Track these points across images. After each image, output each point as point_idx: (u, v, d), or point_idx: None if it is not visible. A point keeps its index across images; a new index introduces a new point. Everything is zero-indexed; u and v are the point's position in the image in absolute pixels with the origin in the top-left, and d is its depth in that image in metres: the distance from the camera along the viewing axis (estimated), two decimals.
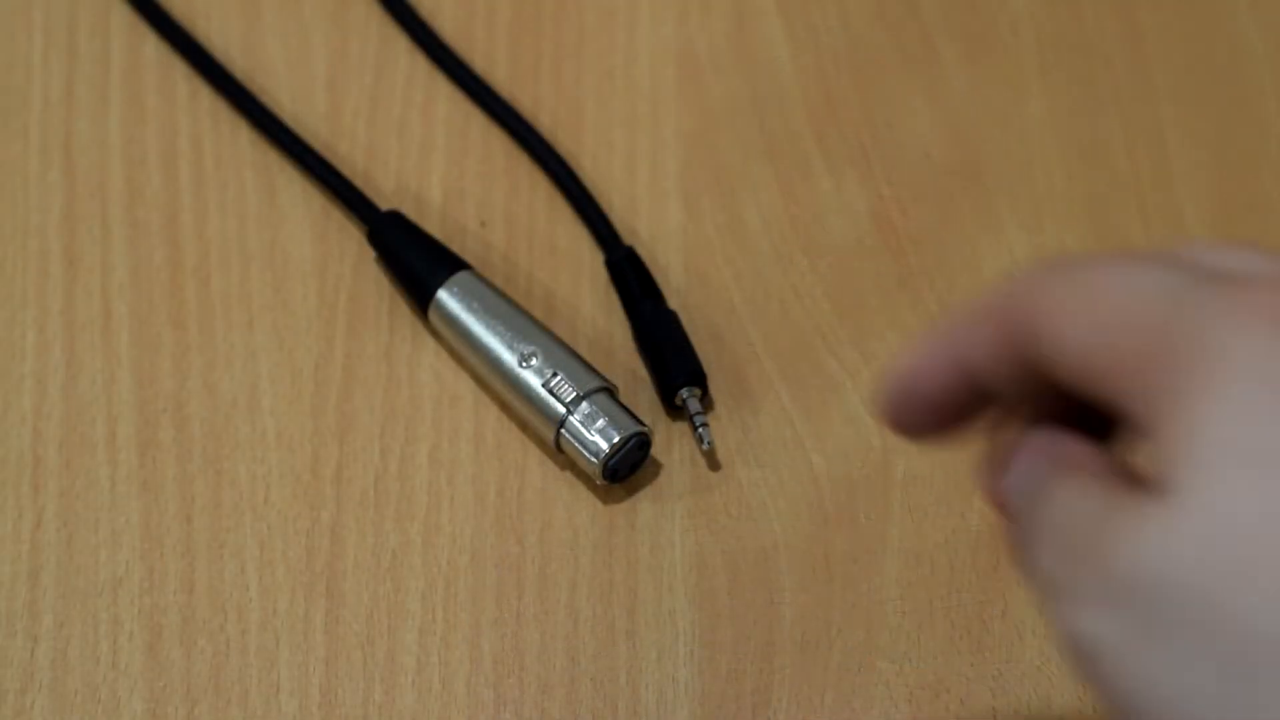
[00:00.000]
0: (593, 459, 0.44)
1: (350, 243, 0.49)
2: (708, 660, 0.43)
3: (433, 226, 0.49)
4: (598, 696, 0.43)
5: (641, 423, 0.45)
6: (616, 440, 0.44)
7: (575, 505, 0.45)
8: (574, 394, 0.44)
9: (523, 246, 0.50)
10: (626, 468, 0.45)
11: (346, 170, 0.50)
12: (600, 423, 0.44)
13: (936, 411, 0.33)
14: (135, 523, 0.45)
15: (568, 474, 0.46)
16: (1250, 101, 0.52)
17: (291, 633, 0.44)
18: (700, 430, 0.45)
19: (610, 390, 0.45)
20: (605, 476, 0.44)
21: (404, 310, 0.48)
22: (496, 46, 0.53)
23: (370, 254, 0.49)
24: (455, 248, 0.48)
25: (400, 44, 0.53)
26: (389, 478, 0.46)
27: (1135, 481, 0.30)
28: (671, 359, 0.47)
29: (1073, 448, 0.32)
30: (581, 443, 0.44)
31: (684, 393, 0.46)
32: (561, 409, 0.44)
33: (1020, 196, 0.51)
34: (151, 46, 0.52)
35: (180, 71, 0.52)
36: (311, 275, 0.49)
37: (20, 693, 0.43)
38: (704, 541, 0.45)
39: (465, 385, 0.47)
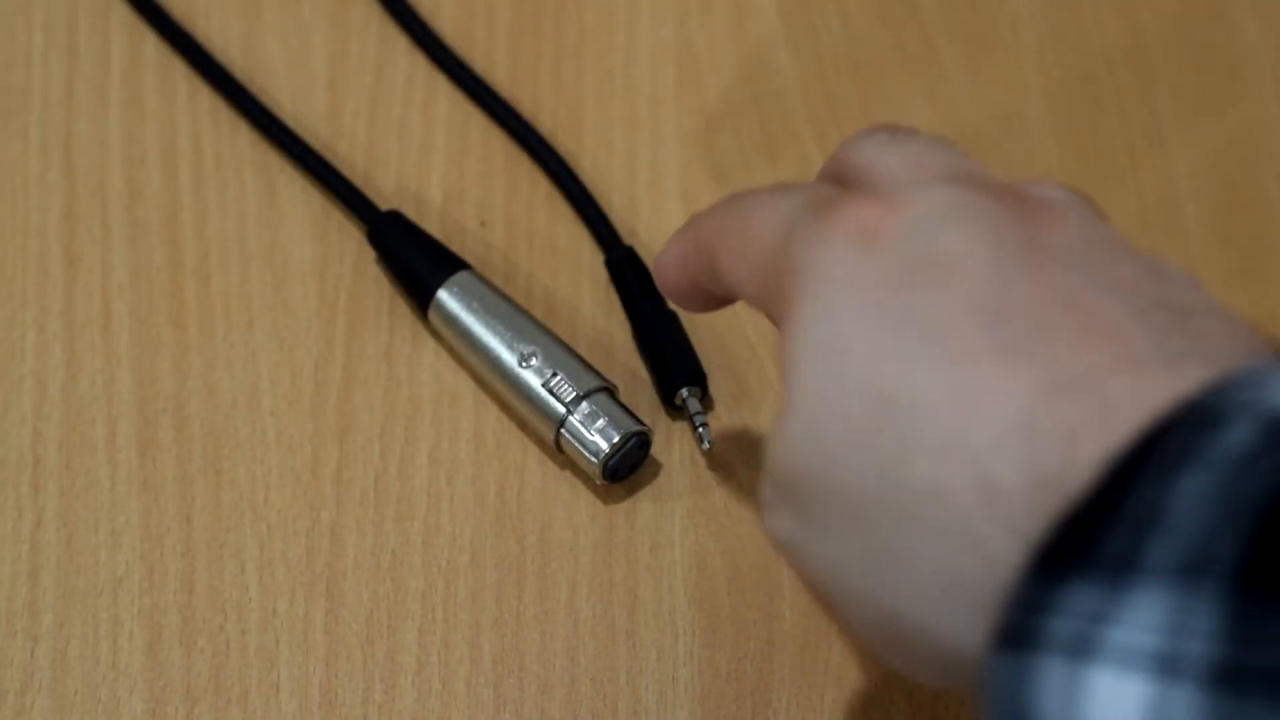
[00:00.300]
0: (593, 459, 0.44)
1: (350, 243, 0.49)
2: (708, 660, 0.43)
3: (433, 226, 0.49)
4: (598, 696, 0.43)
5: (641, 422, 0.45)
6: (616, 440, 0.44)
7: (575, 505, 0.45)
8: (574, 394, 0.44)
9: (523, 246, 0.50)
10: (626, 467, 0.45)
11: (346, 170, 0.50)
12: (600, 422, 0.44)
13: (691, 298, 0.40)
14: (135, 523, 0.45)
15: (568, 474, 0.46)
16: (1250, 101, 0.52)
17: (291, 633, 0.44)
18: (700, 430, 0.45)
19: (610, 390, 0.45)
20: (605, 476, 0.44)
21: (404, 310, 0.48)
22: (496, 46, 0.53)
23: (370, 254, 0.49)
24: (455, 248, 0.48)
25: (400, 44, 0.53)
26: (389, 478, 0.46)
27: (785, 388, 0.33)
28: (671, 359, 0.47)
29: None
30: (581, 442, 0.44)
31: (684, 393, 0.46)
32: (561, 409, 0.44)
33: None
34: (151, 46, 0.52)
35: (180, 71, 0.52)
36: (311, 275, 0.49)
37: (20, 693, 0.43)
38: (704, 541, 0.45)
39: (465, 385, 0.47)
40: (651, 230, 0.50)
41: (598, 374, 0.45)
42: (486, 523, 0.45)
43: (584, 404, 0.44)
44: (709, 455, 0.46)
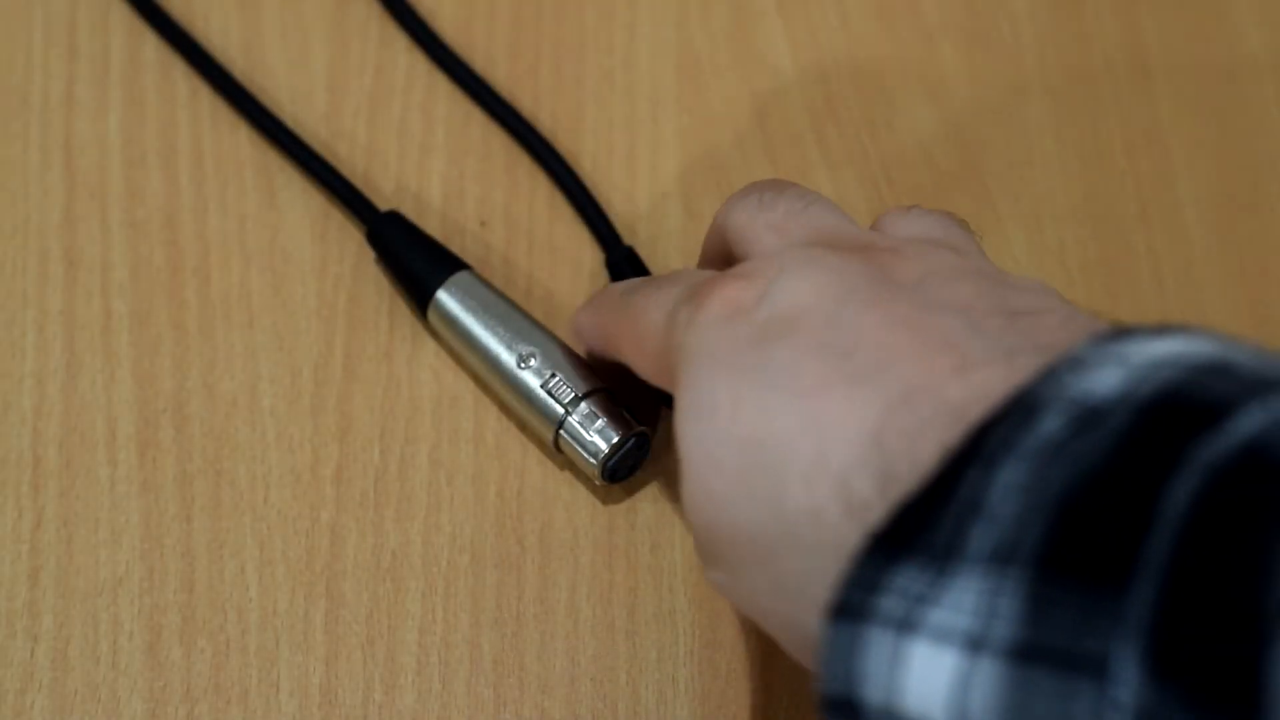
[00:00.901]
0: (591, 460, 0.44)
1: (350, 243, 0.49)
2: (708, 660, 0.43)
3: (432, 226, 0.49)
4: (598, 696, 0.43)
5: (640, 423, 0.45)
6: (615, 440, 0.44)
7: (575, 505, 0.45)
8: (572, 395, 0.44)
9: (523, 246, 0.50)
10: (626, 468, 0.45)
11: (346, 170, 0.50)
12: (599, 423, 0.44)
13: (599, 359, 0.44)
14: (135, 523, 0.45)
15: (568, 474, 0.46)
16: (1250, 101, 0.52)
17: (291, 633, 0.44)
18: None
19: (609, 391, 0.45)
20: (604, 477, 0.44)
21: (404, 310, 0.48)
22: (496, 46, 0.53)
23: (370, 254, 0.49)
24: (455, 248, 0.48)
25: (400, 44, 0.53)
26: (389, 478, 0.46)
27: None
28: None
29: None
30: (580, 443, 0.44)
31: None
32: (560, 409, 0.44)
33: (1020, 196, 0.51)
34: (151, 46, 0.52)
35: (180, 71, 0.52)
36: (311, 275, 0.49)
37: (20, 693, 0.43)
38: None
39: (465, 385, 0.47)
40: (651, 230, 0.50)
41: (597, 375, 0.45)
42: (486, 523, 0.45)
43: (583, 405, 0.44)
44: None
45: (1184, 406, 0.29)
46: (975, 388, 0.32)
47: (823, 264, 0.36)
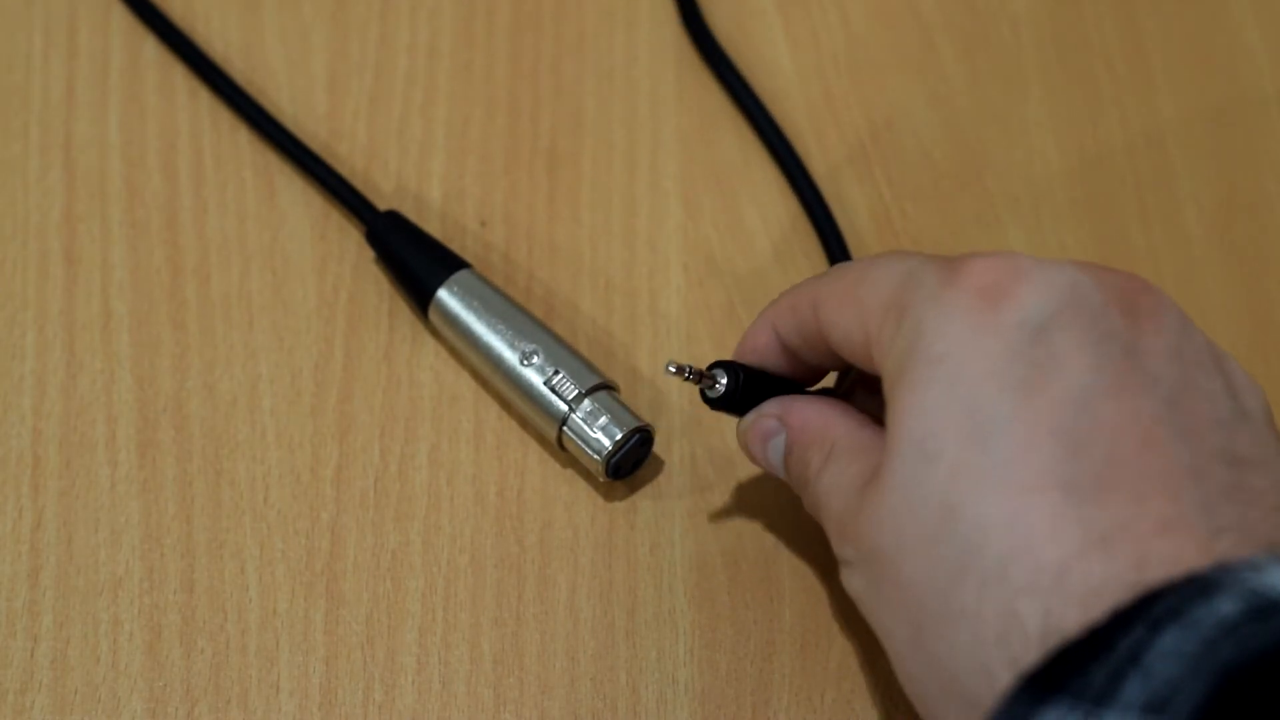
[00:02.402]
0: (596, 456, 0.44)
1: (350, 243, 0.49)
2: (708, 660, 0.43)
3: (432, 226, 0.49)
4: (598, 696, 0.43)
5: (643, 420, 0.45)
6: (619, 437, 0.44)
7: (575, 505, 0.45)
8: (576, 391, 0.44)
9: (523, 246, 0.50)
10: (629, 465, 0.45)
11: (346, 170, 0.50)
12: (603, 420, 0.44)
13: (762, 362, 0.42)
14: (135, 523, 0.45)
15: (568, 473, 0.46)
16: (1250, 101, 0.52)
17: (291, 633, 0.44)
18: (699, 379, 0.43)
19: (612, 388, 0.45)
20: (608, 473, 0.44)
21: (404, 310, 0.48)
22: (496, 46, 0.53)
23: (370, 254, 0.49)
24: (455, 248, 0.48)
25: (400, 44, 0.53)
26: (389, 478, 0.46)
27: (877, 464, 0.36)
28: None
29: (838, 430, 0.40)
30: (584, 440, 0.44)
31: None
32: (564, 406, 0.44)
33: (1020, 196, 0.51)
34: (151, 46, 0.52)
35: (180, 71, 0.52)
36: (311, 275, 0.49)
37: (20, 693, 0.43)
38: (704, 541, 0.45)
39: (465, 385, 0.47)
40: (651, 230, 0.50)
41: (599, 372, 0.45)
42: (486, 523, 0.45)
43: (586, 402, 0.44)
44: (713, 403, 0.43)
45: None
46: (1171, 553, 0.32)
47: (1089, 304, 0.35)
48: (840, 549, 0.38)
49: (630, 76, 0.52)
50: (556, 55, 0.53)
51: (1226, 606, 0.31)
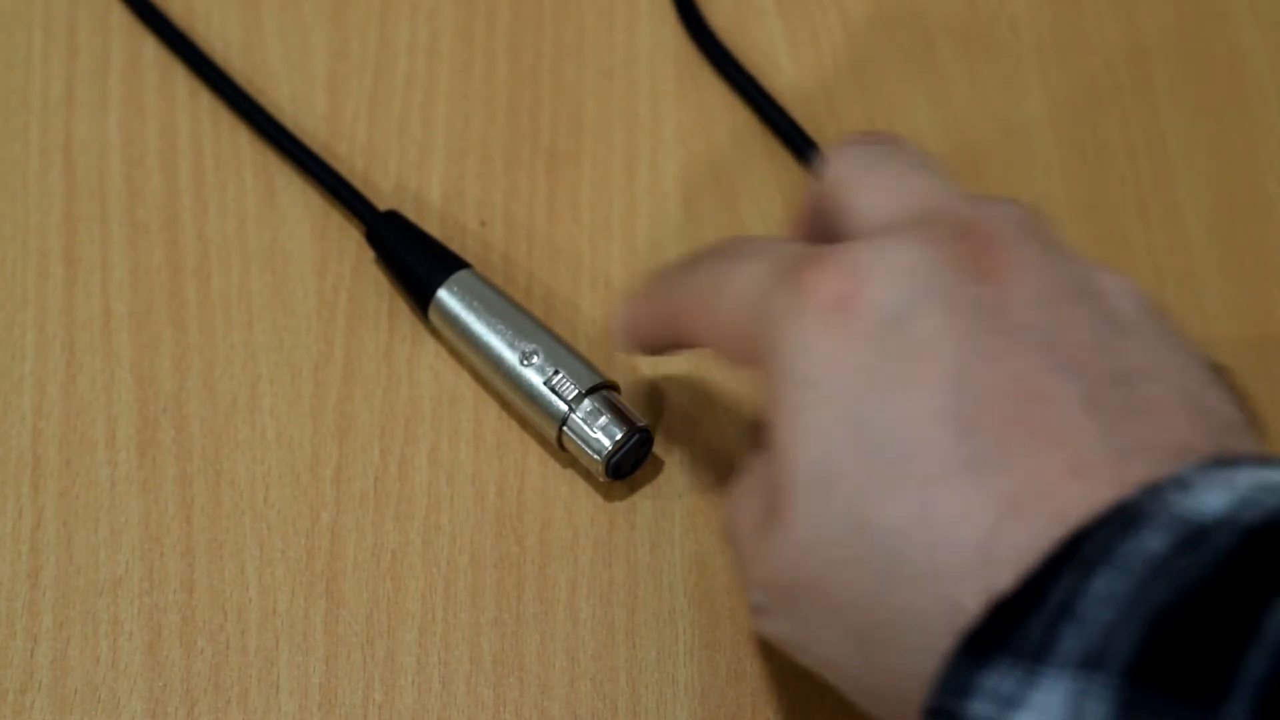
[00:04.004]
0: (596, 456, 0.44)
1: (350, 243, 0.49)
2: (708, 660, 0.43)
3: (432, 227, 0.49)
4: (598, 696, 0.43)
5: (643, 420, 0.45)
6: (619, 437, 0.44)
7: (575, 505, 0.45)
8: (576, 391, 0.44)
9: (523, 246, 0.50)
10: (629, 465, 0.45)
11: (345, 170, 0.50)
12: (603, 420, 0.44)
13: (653, 349, 0.43)
14: (135, 523, 0.45)
15: (568, 473, 0.46)
16: (1250, 101, 0.52)
17: (291, 633, 0.44)
18: None
19: (612, 388, 0.45)
20: (608, 473, 0.44)
21: (404, 310, 0.48)
22: (496, 46, 0.53)
23: (370, 254, 0.49)
24: (455, 248, 0.48)
25: (400, 44, 0.53)
26: (389, 478, 0.46)
27: (772, 493, 0.36)
28: None
29: (746, 463, 0.38)
30: (584, 440, 0.44)
31: None
32: (564, 406, 0.44)
33: (1020, 196, 0.50)
34: (151, 46, 0.52)
35: (180, 71, 0.52)
36: (311, 275, 0.49)
37: (20, 693, 0.43)
38: (704, 541, 0.45)
39: (465, 385, 0.47)
40: (651, 230, 0.50)
41: (599, 372, 0.45)
42: (486, 523, 0.45)
43: (586, 401, 0.44)
44: None
45: None
46: (1084, 496, 0.32)
47: (938, 279, 0.35)
48: (751, 594, 0.37)
49: (630, 76, 0.52)
50: (556, 55, 0.53)
51: (1153, 540, 0.30)
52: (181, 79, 0.52)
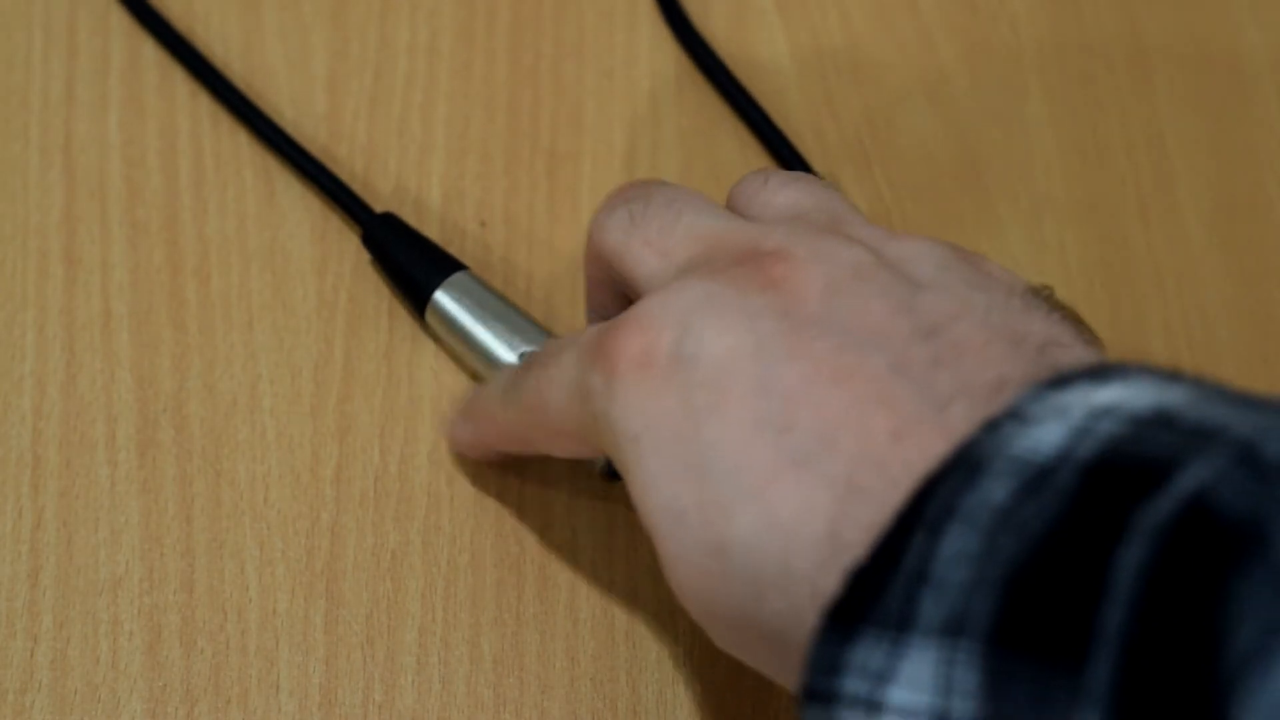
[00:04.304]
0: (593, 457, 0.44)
1: (349, 243, 0.49)
2: (708, 660, 0.43)
3: (432, 227, 0.49)
4: (598, 696, 0.43)
5: None
6: None
7: (575, 505, 0.45)
8: None
9: (523, 246, 0.50)
10: None
11: (345, 171, 0.50)
12: None
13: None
14: (135, 523, 0.45)
15: (568, 473, 0.46)
16: (1250, 101, 0.52)
17: (291, 633, 0.44)
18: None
19: None
20: (604, 473, 0.44)
21: (403, 311, 0.48)
22: (496, 46, 0.53)
23: (369, 253, 0.49)
24: (454, 248, 0.48)
25: (400, 44, 0.53)
26: (389, 478, 0.46)
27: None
28: None
29: None
30: None
31: None
32: None
33: (1020, 196, 0.51)
34: (151, 46, 0.52)
35: (180, 72, 0.52)
36: (311, 275, 0.49)
37: (20, 693, 0.43)
38: None
39: (465, 385, 0.47)
40: None
41: None
42: (486, 523, 0.45)
43: None
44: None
45: (1126, 467, 0.29)
46: (915, 456, 0.32)
47: (722, 303, 0.35)
48: None
49: (630, 76, 0.52)
50: (556, 55, 0.53)
51: (997, 490, 0.30)
52: (181, 79, 0.52)
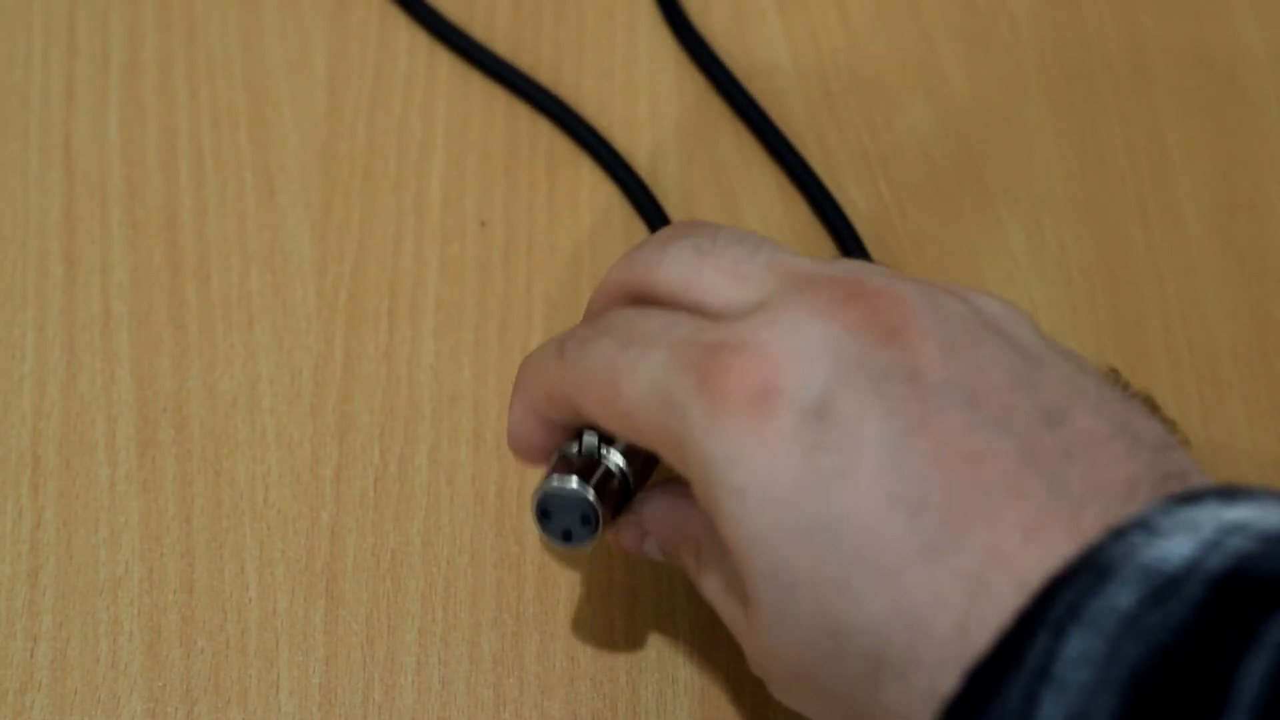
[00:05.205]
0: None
1: (350, 243, 0.49)
2: (708, 660, 0.43)
3: (432, 226, 0.49)
4: (598, 696, 0.43)
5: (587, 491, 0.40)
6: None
7: None
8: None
9: (523, 246, 0.50)
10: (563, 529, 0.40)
11: (345, 171, 0.50)
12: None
13: (543, 451, 0.40)
14: (135, 523, 0.45)
15: None
16: (1250, 101, 0.52)
17: (291, 633, 0.44)
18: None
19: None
20: (540, 511, 0.40)
21: (404, 310, 0.48)
22: (496, 47, 0.53)
23: (369, 253, 0.49)
24: (455, 248, 0.48)
25: (400, 44, 0.53)
26: (388, 478, 0.46)
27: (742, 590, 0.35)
28: None
29: (696, 526, 0.38)
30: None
31: None
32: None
33: (1020, 196, 0.51)
34: (151, 46, 0.52)
35: (180, 71, 0.52)
36: (311, 275, 0.49)
37: (20, 693, 0.43)
38: None
39: (465, 385, 0.47)
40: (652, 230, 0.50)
41: None
42: (486, 523, 0.45)
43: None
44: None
45: (1255, 580, 0.30)
46: (1044, 555, 0.31)
47: (847, 354, 0.33)
48: (751, 667, 0.37)
49: (630, 76, 0.52)
50: (556, 55, 0.53)
51: (1123, 596, 0.30)
52: (181, 79, 0.52)
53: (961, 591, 0.32)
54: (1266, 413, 0.47)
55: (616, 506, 0.40)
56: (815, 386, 0.33)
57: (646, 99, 0.52)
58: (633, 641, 0.44)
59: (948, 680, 0.31)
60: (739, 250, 0.37)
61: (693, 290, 0.37)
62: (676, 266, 0.38)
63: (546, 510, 0.40)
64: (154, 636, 0.44)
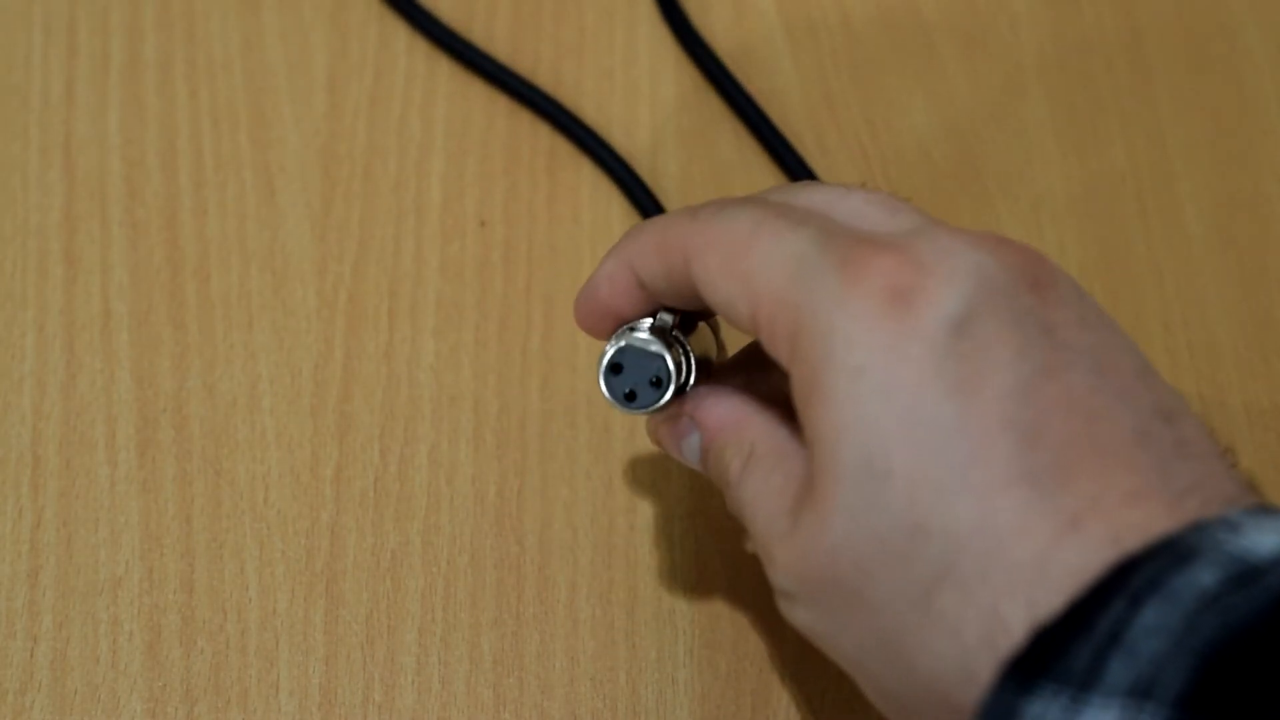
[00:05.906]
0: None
1: (350, 242, 0.49)
2: (708, 660, 0.43)
3: (432, 226, 0.49)
4: (598, 696, 0.43)
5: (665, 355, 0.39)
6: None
7: (575, 505, 0.45)
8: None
9: (523, 246, 0.50)
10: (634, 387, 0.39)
11: (345, 171, 0.50)
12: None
13: (616, 316, 0.39)
14: (135, 523, 0.45)
15: (568, 473, 0.46)
16: (1250, 101, 0.52)
17: (291, 633, 0.44)
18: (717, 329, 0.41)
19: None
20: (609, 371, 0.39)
21: (404, 309, 0.48)
22: (496, 47, 0.53)
23: (369, 253, 0.49)
24: (455, 248, 0.48)
25: (400, 44, 0.53)
26: (388, 478, 0.46)
27: (802, 475, 0.35)
28: None
29: (754, 430, 0.38)
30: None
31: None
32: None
33: (1020, 197, 0.51)
34: (151, 46, 0.52)
35: (180, 71, 0.52)
36: (311, 275, 0.49)
37: (20, 693, 0.43)
38: (704, 541, 0.45)
39: (465, 385, 0.47)
40: None
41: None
42: (486, 523, 0.45)
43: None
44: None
45: None
46: (1139, 522, 0.32)
47: (995, 285, 0.34)
48: (778, 579, 0.36)
49: (630, 77, 0.52)
50: (556, 55, 0.53)
51: (1205, 575, 0.30)
52: (181, 78, 0.52)
53: (1052, 527, 0.32)
54: (1266, 413, 0.47)
55: (679, 388, 0.39)
56: (960, 302, 0.33)
57: (646, 99, 0.52)
58: (633, 641, 0.44)
59: (1010, 604, 0.32)
60: (882, 198, 0.37)
61: (836, 210, 0.37)
62: (820, 193, 0.37)
63: (619, 365, 0.39)
64: (154, 636, 0.44)
